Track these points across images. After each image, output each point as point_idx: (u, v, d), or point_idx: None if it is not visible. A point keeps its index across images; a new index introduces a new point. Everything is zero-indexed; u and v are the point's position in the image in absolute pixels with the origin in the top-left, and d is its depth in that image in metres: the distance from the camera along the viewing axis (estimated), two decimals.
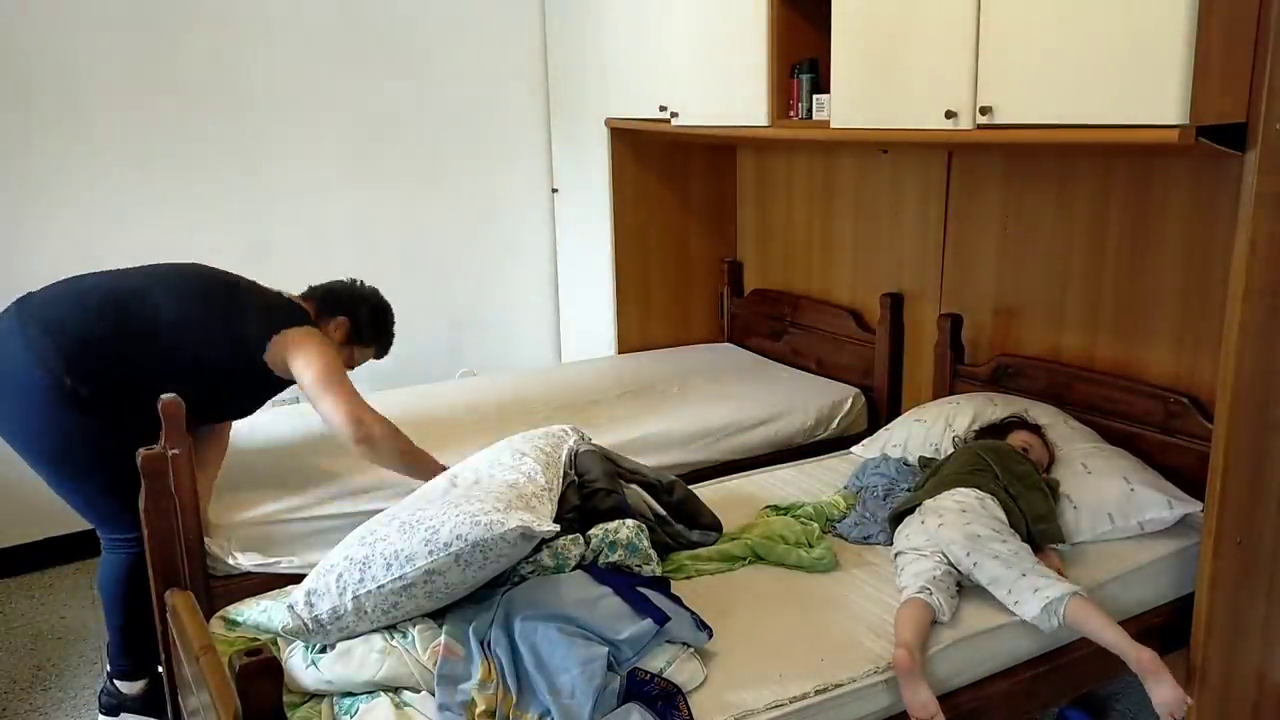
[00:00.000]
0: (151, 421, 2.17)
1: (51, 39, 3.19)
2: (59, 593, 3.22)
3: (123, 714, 2.49)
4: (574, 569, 1.86)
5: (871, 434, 2.88)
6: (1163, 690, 1.81)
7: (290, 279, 3.65)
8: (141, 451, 2.05)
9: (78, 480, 2.35)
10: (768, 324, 3.75)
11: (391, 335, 2.70)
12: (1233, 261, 1.86)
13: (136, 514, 2.14)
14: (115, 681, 2.47)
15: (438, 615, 1.77)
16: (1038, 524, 2.11)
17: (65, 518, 3.38)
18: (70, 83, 3.24)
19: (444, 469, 2.28)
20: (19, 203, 3.23)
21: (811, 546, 2.15)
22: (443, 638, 1.69)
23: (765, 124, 2.84)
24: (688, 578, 2.06)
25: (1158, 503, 2.20)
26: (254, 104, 3.52)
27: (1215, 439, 1.94)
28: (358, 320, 2.60)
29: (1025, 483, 2.17)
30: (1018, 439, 2.37)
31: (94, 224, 3.33)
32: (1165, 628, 2.15)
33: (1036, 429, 2.43)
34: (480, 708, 1.59)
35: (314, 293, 2.62)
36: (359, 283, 2.68)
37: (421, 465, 2.38)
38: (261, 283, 2.57)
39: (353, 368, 2.58)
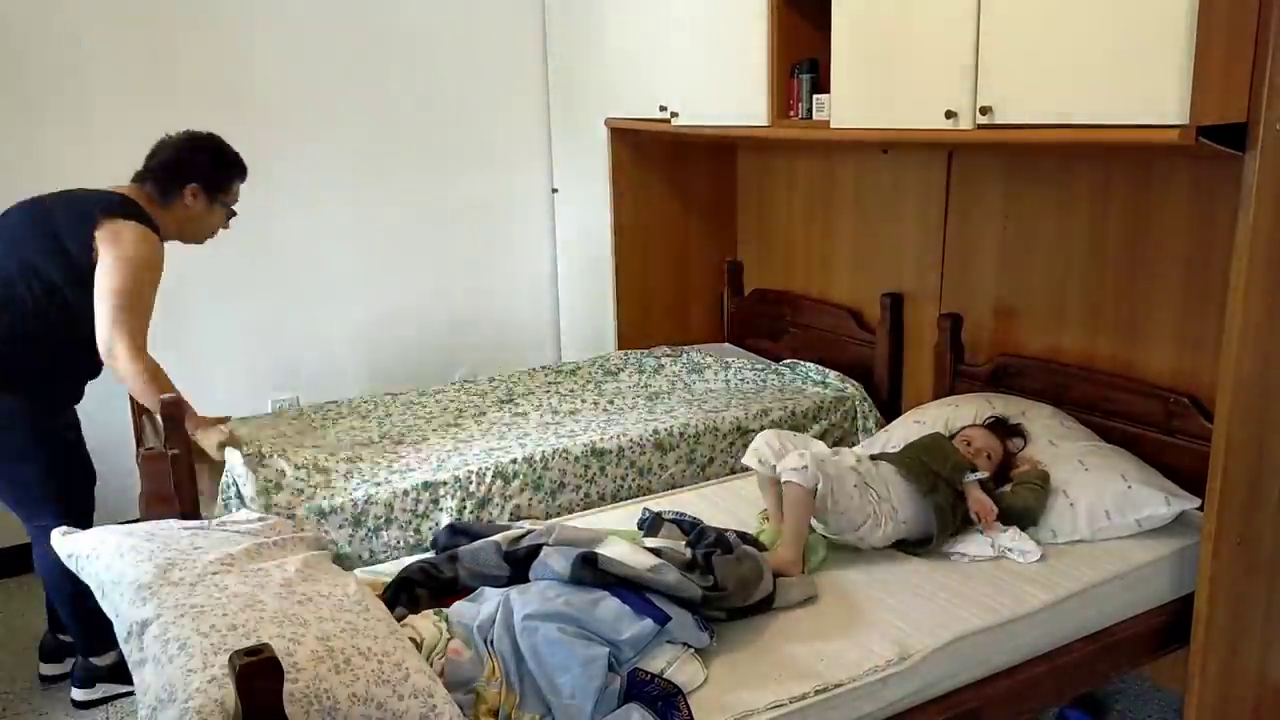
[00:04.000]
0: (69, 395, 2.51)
1: (53, 39, 3.19)
2: None
3: (98, 684, 2.60)
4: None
5: (871, 434, 2.88)
6: None
7: (290, 278, 3.68)
8: (142, 451, 2.05)
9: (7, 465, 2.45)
10: (768, 324, 3.75)
11: (239, 163, 2.64)
12: (1233, 261, 1.86)
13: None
14: (88, 658, 2.58)
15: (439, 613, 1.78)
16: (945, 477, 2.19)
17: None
18: (71, 83, 3.24)
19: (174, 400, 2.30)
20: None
21: (812, 548, 2.15)
22: (447, 636, 1.69)
23: (765, 124, 2.84)
24: None
25: (1155, 500, 2.20)
26: (254, 104, 3.52)
27: (1215, 439, 1.94)
28: (206, 175, 2.57)
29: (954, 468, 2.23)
30: (962, 435, 2.41)
31: None
32: (1165, 628, 2.15)
33: (998, 430, 2.44)
34: (485, 705, 1.59)
35: (144, 176, 2.54)
36: (170, 138, 2.58)
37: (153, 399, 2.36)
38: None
39: (226, 223, 2.68)
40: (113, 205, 2.42)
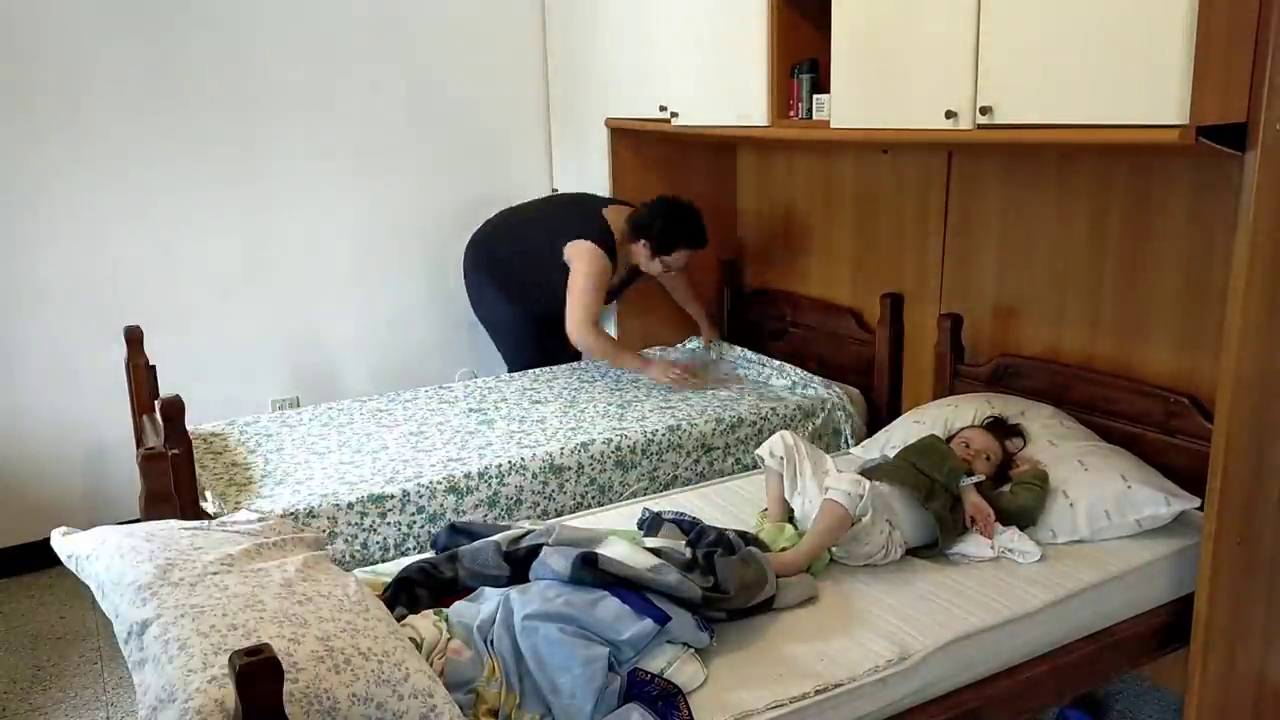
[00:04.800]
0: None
1: (53, 40, 3.19)
2: (59, 593, 3.22)
3: None
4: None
5: (849, 446, 2.88)
6: None
7: (290, 278, 3.68)
8: (142, 451, 2.06)
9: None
10: (769, 324, 3.75)
11: (688, 230, 3.24)
12: (1233, 262, 1.86)
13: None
14: None
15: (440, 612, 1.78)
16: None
17: (65, 518, 3.39)
18: (71, 84, 3.24)
19: (640, 362, 3.31)
20: (20, 204, 3.23)
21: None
22: (447, 636, 1.69)
23: (765, 124, 2.84)
24: None
25: (1155, 500, 2.20)
26: (254, 105, 3.52)
27: (1215, 439, 1.94)
28: (653, 236, 3.23)
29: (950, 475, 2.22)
30: (961, 436, 2.39)
31: (95, 224, 3.33)
32: (1165, 628, 2.15)
33: (996, 430, 2.42)
34: (485, 705, 1.60)
35: (630, 220, 3.29)
36: (657, 202, 3.27)
37: (619, 360, 3.31)
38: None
39: (680, 267, 3.33)
40: (587, 229, 3.28)
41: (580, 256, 3.22)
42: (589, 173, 3.82)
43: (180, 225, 3.47)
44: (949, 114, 2.19)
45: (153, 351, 2.93)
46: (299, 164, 3.63)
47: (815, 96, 2.69)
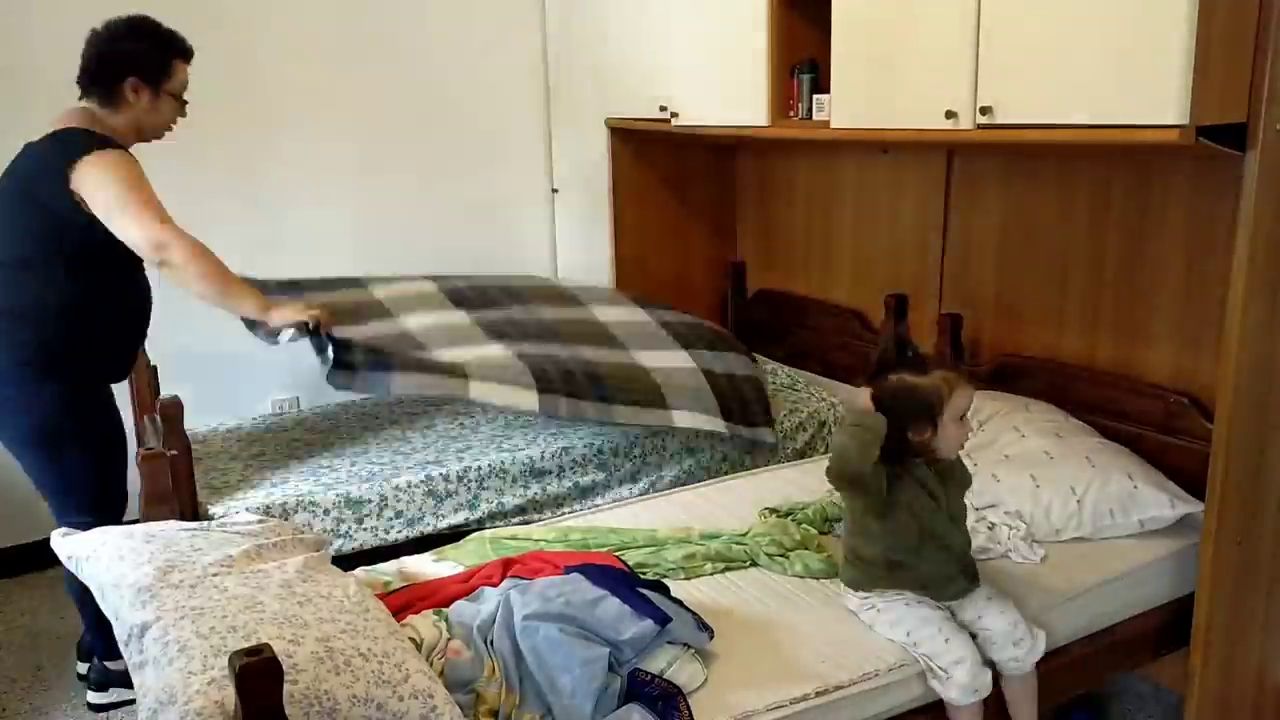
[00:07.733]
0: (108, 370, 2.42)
1: (53, 42, 3.18)
2: (59, 593, 3.21)
3: (112, 688, 2.59)
4: None
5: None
6: None
7: (290, 278, 3.67)
8: (141, 451, 2.06)
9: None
10: (772, 325, 3.75)
11: (176, 42, 2.38)
12: (1233, 261, 1.86)
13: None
14: (104, 661, 2.56)
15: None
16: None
17: None
18: (72, 87, 3.23)
19: (264, 303, 2.35)
20: None
21: (808, 549, 2.15)
22: (447, 637, 1.70)
23: (765, 124, 2.84)
24: (687, 578, 2.07)
25: (1160, 501, 2.20)
26: (254, 104, 3.52)
27: (1215, 439, 1.95)
28: (145, 64, 2.31)
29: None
30: (955, 406, 1.82)
31: None
32: (1165, 628, 2.15)
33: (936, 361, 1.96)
34: (485, 705, 1.60)
35: (85, 89, 2.34)
36: (93, 34, 2.32)
37: (235, 294, 2.33)
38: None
39: (182, 113, 2.44)
40: (74, 146, 2.24)
41: (93, 171, 2.21)
42: (589, 173, 3.82)
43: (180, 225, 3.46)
44: (949, 114, 2.19)
45: (153, 351, 2.92)
46: (299, 164, 3.63)
47: (815, 96, 2.69)
